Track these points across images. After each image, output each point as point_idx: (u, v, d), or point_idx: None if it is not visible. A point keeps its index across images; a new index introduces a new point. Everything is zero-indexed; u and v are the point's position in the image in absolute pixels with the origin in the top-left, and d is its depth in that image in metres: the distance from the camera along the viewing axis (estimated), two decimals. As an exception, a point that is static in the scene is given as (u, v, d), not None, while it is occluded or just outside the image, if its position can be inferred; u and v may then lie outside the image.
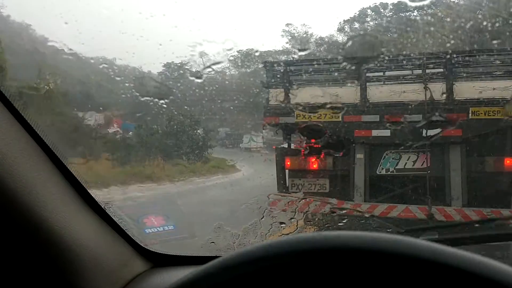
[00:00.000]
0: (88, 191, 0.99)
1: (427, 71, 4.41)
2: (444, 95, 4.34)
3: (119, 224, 1.08)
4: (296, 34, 54.54)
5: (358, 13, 52.16)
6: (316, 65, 5.01)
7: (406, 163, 4.47)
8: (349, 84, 4.57)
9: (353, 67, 4.63)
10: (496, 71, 4.29)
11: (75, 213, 0.95)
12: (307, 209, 4.05)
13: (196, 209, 6.40)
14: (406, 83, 4.51)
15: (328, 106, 4.57)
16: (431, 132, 4.28)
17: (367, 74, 4.64)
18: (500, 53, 4.68)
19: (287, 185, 4.88)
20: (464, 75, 4.42)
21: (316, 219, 3.92)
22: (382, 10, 48.29)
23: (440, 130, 4.25)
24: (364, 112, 4.50)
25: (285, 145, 5.23)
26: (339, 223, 3.38)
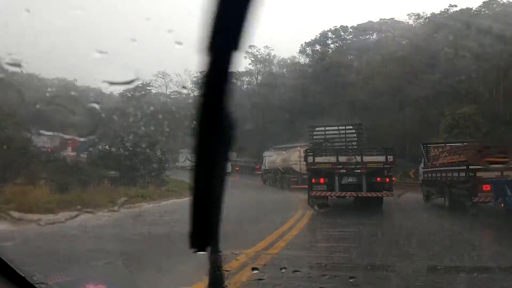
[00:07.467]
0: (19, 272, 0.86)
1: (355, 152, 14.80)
2: (360, 159, 14.68)
3: None
4: (259, 56, 56.60)
5: (319, 35, 56.07)
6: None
7: (350, 179, 14.80)
8: (333, 155, 14.88)
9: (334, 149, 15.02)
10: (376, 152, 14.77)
11: None
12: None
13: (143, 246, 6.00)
14: (349, 155, 14.86)
15: (327, 162, 14.87)
16: (357, 170, 14.65)
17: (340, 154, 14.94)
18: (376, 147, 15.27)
19: (312, 188, 15.12)
20: (367, 152, 14.82)
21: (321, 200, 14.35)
22: (342, 33, 52.45)
23: (359, 170, 14.62)
24: (337, 164, 14.79)
25: (311, 175, 15.46)
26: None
